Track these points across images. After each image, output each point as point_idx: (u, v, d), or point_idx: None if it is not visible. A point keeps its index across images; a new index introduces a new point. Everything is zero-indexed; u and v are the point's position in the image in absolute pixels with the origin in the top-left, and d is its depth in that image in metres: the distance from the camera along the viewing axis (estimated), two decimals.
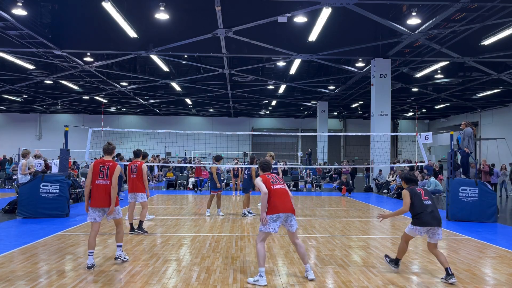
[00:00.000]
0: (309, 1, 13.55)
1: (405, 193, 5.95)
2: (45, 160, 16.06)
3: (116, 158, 8.92)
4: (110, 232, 9.02)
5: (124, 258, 6.54)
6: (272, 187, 5.65)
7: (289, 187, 21.99)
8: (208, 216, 11.49)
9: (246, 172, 12.24)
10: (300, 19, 15.20)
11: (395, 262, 6.20)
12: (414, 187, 6.03)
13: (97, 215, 6.31)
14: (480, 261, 6.87)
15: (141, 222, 8.85)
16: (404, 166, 19.60)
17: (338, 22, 16.38)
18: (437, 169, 20.34)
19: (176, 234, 8.88)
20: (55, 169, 12.85)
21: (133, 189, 9.11)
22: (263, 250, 5.53)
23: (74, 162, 21.59)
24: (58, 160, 12.04)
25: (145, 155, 9.84)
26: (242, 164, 19.11)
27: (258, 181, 5.71)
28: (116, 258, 6.56)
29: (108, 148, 6.49)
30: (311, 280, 5.64)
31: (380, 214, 6.32)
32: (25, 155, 12.95)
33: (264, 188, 5.57)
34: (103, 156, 6.59)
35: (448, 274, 5.60)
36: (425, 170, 18.31)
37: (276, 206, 5.55)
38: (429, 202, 5.83)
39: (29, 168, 12.86)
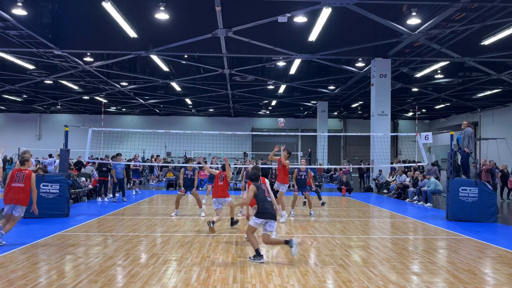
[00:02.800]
0: (309, 1, 13.54)
1: (251, 188, 6.81)
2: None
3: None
4: (110, 232, 9.04)
5: None
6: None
7: (289, 186, 21.95)
8: (204, 216, 11.44)
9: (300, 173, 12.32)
10: (300, 19, 15.19)
11: (258, 253, 6.64)
12: (261, 184, 6.99)
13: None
14: (480, 261, 6.87)
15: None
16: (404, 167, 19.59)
17: (338, 22, 16.36)
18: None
19: (176, 234, 8.88)
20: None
21: (219, 196, 9.42)
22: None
23: (77, 162, 21.51)
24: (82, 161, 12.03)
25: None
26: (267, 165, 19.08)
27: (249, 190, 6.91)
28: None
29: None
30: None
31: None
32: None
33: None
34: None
35: (259, 255, 6.60)
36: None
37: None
38: (269, 199, 6.86)
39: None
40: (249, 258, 6.72)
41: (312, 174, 14.53)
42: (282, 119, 11.94)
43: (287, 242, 6.60)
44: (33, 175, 7.97)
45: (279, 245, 7.02)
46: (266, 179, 8.28)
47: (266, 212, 6.66)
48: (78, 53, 19.45)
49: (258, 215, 6.71)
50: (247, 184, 11.83)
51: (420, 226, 10.55)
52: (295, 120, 42.38)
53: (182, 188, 11.71)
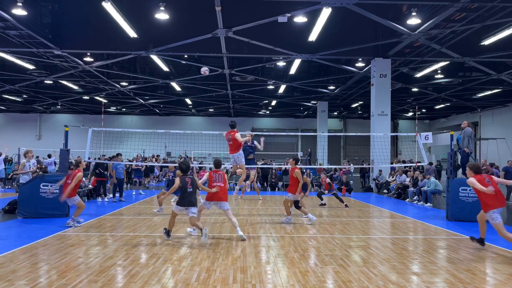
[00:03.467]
0: (309, 1, 13.55)
1: (176, 180, 7.96)
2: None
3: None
4: (110, 232, 9.04)
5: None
6: (212, 183, 8.31)
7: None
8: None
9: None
10: (300, 19, 15.20)
11: (167, 232, 8.21)
12: (186, 176, 7.99)
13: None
14: (480, 261, 6.87)
15: None
16: (404, 166, 19.60)
17: (338, 22, 16.38)
18: None
19: (176, 234, 8.88)
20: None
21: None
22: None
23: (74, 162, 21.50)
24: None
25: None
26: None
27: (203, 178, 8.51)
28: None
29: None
30: (242, 239, 8.14)
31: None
32: (25, 154, 12.97)
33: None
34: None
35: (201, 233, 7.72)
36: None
37: (212, 195, 8.30)
38: (191, 189, 7.91)
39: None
40: (165, 233, 8.20)
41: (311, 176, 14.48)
42: (205, 68, 12.16)
43: (201, 230, 7.80)
44: (78, 174, 9.62)
45: (198, 229, 8.02)
46: (225, 174, 8.72)
47: (183, 200, 7.89)
48: (78, 53, 19.46)
49: (178, 203, 8.00)
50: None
51: (420, 226, 10.55)
52: (295, 120, 42.39)
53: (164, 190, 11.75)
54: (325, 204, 14.28)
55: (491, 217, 7.19)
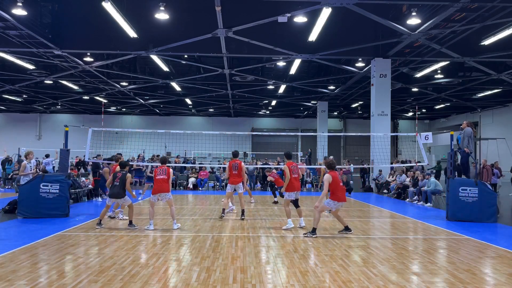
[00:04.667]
0: (309, 1, 13.55)
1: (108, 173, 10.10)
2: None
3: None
4: (110, 232, 9.04)
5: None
6: (157, 177, 9.38)
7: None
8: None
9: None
10: (300, 19, 15.19)
11: (99, 223, 9.59)
12: (118, 171, 9.57)
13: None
14: (480, 261, 6.87)
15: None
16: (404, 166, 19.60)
17: (338, 22, 16.36)
18: None
19: (176, 234, 8.88)
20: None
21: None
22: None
23: (78, 163, 21.31)
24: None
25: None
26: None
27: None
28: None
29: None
30: (176, 229, 9.26)
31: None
32: (26, 156, 12.97)
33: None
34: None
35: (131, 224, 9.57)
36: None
37: (155, 188, 9.37)
38: (117, 183, 9.38)
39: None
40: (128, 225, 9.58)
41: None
42: None
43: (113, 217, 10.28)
44: (105, 169, 12.17)
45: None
46: (170, 169, 9.73)
47: (110, 192, 9.53)
48: (78, 53, 19.44)
49: (108, 194, 9.74)
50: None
51: (420, 226, 10.55)
52: (295, 120, 42.37)
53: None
54: (277, 202, 14.73)
55: (330, 204, 8.97)
